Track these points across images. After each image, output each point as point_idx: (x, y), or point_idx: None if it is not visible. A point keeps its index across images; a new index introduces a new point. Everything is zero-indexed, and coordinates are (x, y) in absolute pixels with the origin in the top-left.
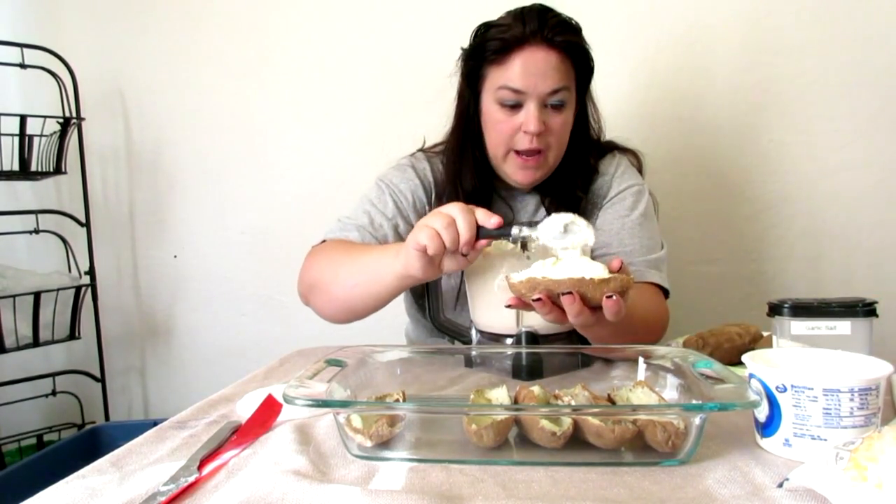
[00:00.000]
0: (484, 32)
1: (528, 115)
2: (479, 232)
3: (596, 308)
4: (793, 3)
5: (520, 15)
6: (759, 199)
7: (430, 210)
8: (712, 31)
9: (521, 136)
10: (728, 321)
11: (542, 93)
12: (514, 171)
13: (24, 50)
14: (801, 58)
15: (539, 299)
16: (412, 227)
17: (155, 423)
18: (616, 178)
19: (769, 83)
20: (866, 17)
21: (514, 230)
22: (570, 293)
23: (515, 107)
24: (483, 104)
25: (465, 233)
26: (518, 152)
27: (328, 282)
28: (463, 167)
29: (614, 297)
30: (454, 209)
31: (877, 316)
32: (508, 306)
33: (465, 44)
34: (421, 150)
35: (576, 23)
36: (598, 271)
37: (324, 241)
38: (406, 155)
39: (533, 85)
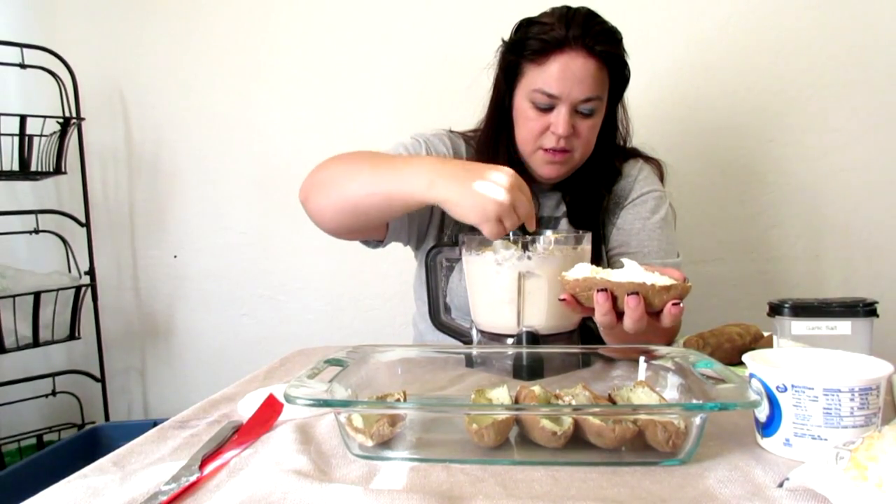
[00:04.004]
0: (526, 28)
1: (559, 119)
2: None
3: (651, 314)
4: (793, 4)
5: (564, 17)
6: (759, 199)
7: None
8: (712, 32)
9: (549, 136)
10: (728, 321)
11: (575, 99)
12: (541, 166)
13: (24, 50)
14: (800, 58)
15: (605, 290)
16: None
17: (155, 423)
18: (639, 181)
19: (769, 83)
20: (866, 17)
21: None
22: (636, 293)
23: (547, 108)
24: (516, 99)
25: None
26: (545, 149)
27: (343, 180)
28: (498, 158)
29: (681, 304)
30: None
31: (877, 316)
32: (562, 300)
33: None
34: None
35: (618, 32)
36: (658, 278)
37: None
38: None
39: (567, 90)
